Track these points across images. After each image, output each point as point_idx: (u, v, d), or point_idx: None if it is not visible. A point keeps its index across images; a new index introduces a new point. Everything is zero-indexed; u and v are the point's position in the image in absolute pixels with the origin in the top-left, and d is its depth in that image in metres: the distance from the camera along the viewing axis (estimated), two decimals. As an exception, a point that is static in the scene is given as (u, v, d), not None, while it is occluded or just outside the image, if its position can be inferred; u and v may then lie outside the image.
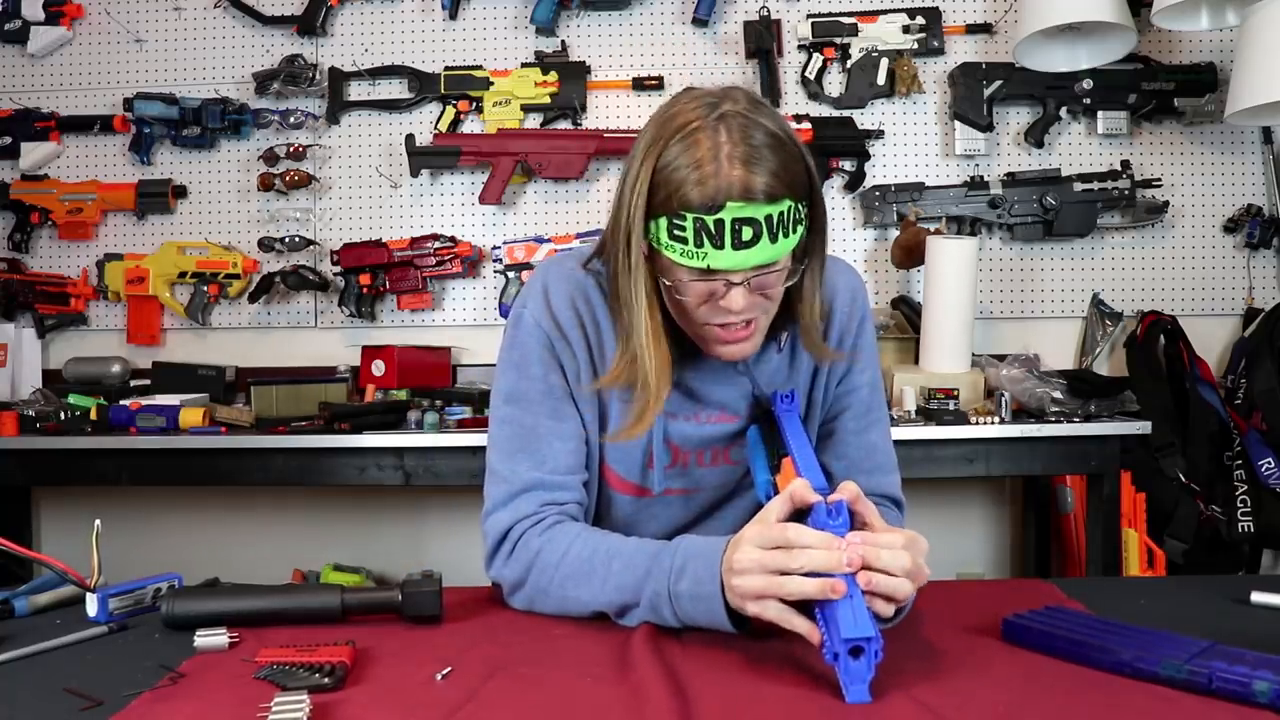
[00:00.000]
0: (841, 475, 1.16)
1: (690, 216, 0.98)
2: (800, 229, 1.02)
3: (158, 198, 2.81)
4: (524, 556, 1.07)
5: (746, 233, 0.97)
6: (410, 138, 2.74)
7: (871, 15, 2.69)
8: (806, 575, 0.85)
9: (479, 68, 2.77)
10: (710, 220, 0.97)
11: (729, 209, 0.96)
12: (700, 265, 0.99)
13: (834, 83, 2.74)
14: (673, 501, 1.21)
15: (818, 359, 1.18)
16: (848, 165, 2.71)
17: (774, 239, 0.99)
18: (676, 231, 0.99)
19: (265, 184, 2.79)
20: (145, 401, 2.40)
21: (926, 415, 2.26)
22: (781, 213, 0.98)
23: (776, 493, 0.97)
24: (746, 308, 1.03)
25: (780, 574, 0.86)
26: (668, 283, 1.04)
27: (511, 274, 2.71)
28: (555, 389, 1.14)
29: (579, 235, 2.70)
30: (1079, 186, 2.63)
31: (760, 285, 1.03)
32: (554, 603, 1.05)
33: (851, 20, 2.69)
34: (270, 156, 2.78)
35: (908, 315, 2.61)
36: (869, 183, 2.72)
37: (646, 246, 1.04)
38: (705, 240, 0.98)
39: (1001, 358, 2.47)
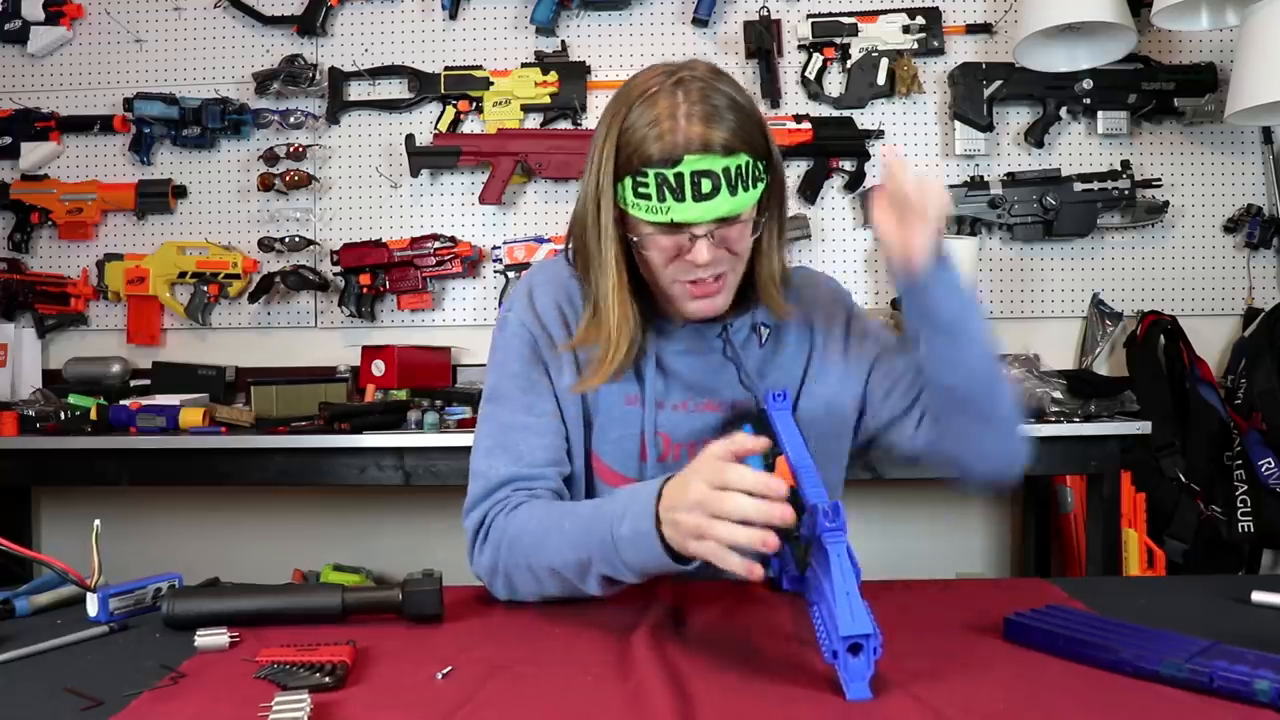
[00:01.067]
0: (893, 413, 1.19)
1: (652, 173, 1.03)
2: (759, 185, 1.06)
3: (158, 198, 2.81)
4: (494, 539, 1.09)
5: (706, 185, 1.02)
6: (410, 138, 2.74)
7: (871, 15, 2.69)
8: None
9: (479, 68, 2.77)
10: (670, 174, 1.02)
11: (687, 161, 1.02)
12: (664, 219, 1.04)
13: (834, 83, 2.74)
14: None
15: (776, 315, 1.20)
16: (848, 165, 2.71)
17: (733, 191, 1.03)
18: (640, 189, 1.04)
19: (265, 184, 2.79)
20: (145, 401, 2.40)
21: (926, 415, 2.26)
22: (739, 166, 1.03)
23: None
24: (712, 261, 1.07)
25: (715, 516, 0.87)
26: (635, 238, 1.08)
27: (511, 274, 2.71)
28: (535, 385, 1.16)
29: (579, 235, 2.69)
30: (1079, 186, 2.63)
31: (724, 239, 1.07)
32: (525, 576, 1.06)
33: (851, 20, 2.69)
34: (270, 156, 2.78)
35: (908, 315, 2.61)
36: (869, 183, 2.72)
37: (616, 210, 1.08)
38: (667, 194, 1.03)
39: (1001, 358, 2.47)
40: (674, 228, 1.05)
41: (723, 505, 0.86)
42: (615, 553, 0.97)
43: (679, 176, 1.02)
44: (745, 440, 0.91)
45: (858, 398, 1.22)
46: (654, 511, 0.93)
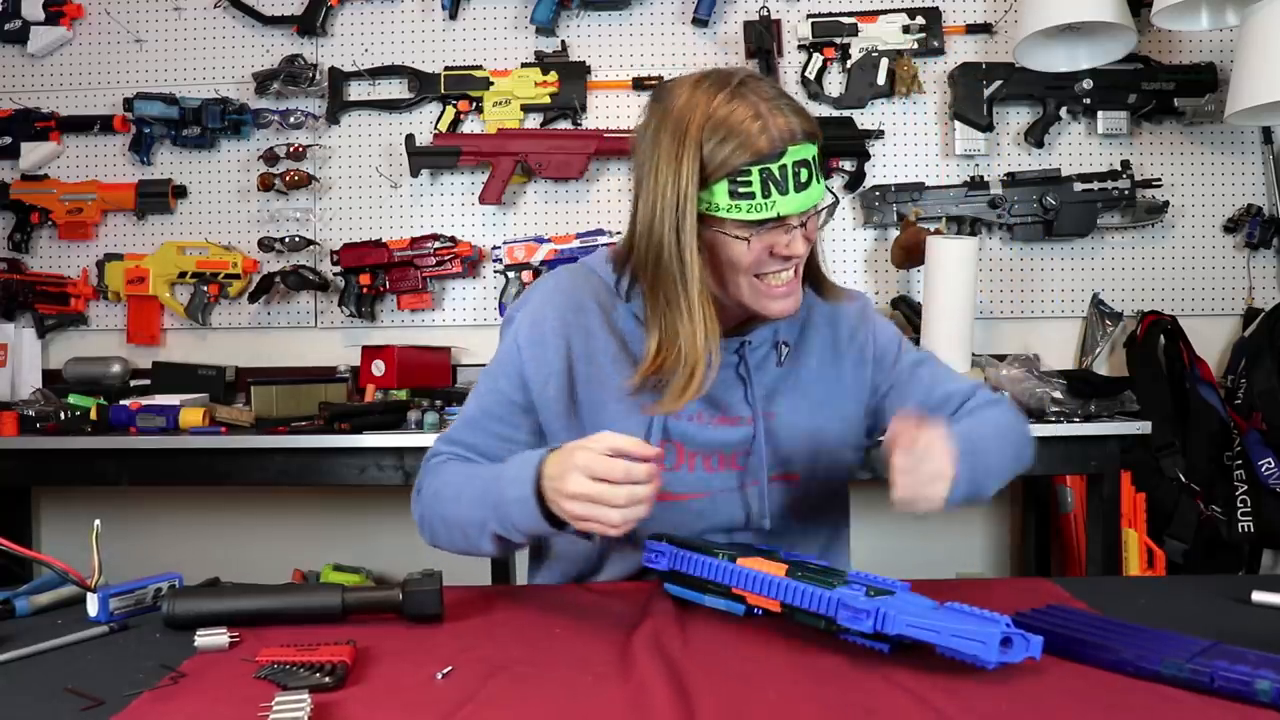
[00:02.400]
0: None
1: (756, 170, 1.04)
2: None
3: (158, 198, 2.81)
4: (425, 492, 1.19)
5: (804, 174, 1.06)
6: (410, 138, 2.74)
7: (871, 15, 2.69)
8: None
9: (479, 68, 2.77)
10: (775, 167, 1.04)
11: (790, 152, 1.05)
12: (770, 215, 1.05)
13: (834, 83, 2.74)
14: (684, 508, 1.19)
15: (829, 298, 1.23)
16: (848, 165, 2.71)
17: (817, 179, 1.08)
18: (742, 189, 1.05)
19: (265, 184, 2.78)
20: (145, 401, 2.40)
21: (927, 415, 2.26)
22: (815, 154, 1.08)
23: None
24: (804, 250, 1.10)
25: (599, 483, 0.95)
26: (728, 236, 1.07)
27: (511, 274, 2.71)
28: (514, 406, 1.20)
29: (579, 235, 2.70)
30: (1079, 186, 2.63)
31: (809, 228, 1.10)
32: (441, 528, 1.16)
33: (851, 20, 2.69)
34: (270, 156, 2.78)
35: (908, 315, 2.61)
36: (869, 183, 2.72)
37: (698, 220, 1.08)
38: (772, 188, 1.05)
39: (1001, 358, 2.47)
40: (775, 223, 1.07)
41: (602, 495, 0.95)
42: (505, 514, 1.05)
43: (783, 169, 1.04)
44: (629, 445, 0.97)
45: (860, 438, 1.28)
46: (535, 477, 1.01)
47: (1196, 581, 1.28)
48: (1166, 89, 2.63)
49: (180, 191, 2.85)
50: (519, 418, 1.20)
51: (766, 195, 1.04)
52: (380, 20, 2.82)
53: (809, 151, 1.06)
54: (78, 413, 2.40)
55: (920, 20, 2.68)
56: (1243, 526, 2.44)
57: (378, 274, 2.74)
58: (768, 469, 1.19)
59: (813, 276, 1.21)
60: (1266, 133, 2.69)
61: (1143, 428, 2.23)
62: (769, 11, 2.71)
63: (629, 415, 1.16)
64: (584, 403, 1.18)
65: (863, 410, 1.27)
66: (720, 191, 1.05)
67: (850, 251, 2.76)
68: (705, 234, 1.08)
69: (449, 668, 0.87)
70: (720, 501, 1.20)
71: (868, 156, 2.70)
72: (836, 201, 1.14)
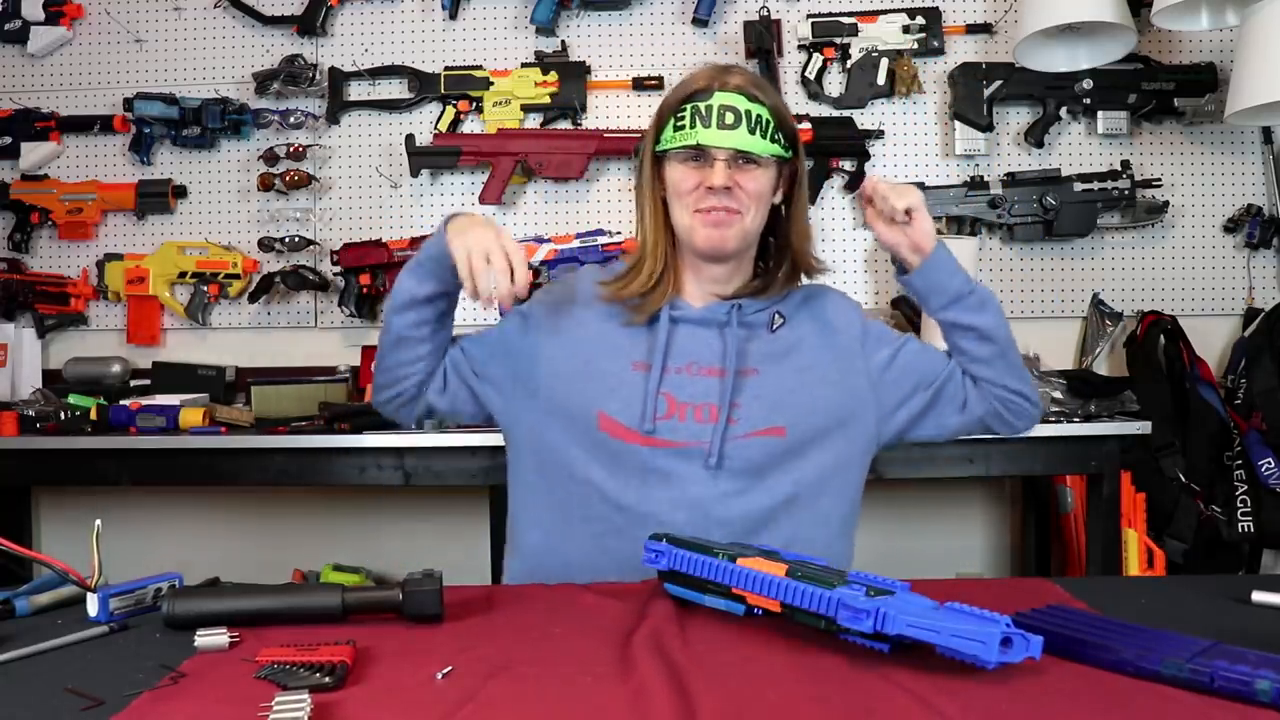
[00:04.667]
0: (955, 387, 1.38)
1: (689, 106, 1.27)
2: (778, 145, 1.28)
3: (158, 198, 2.81)
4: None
5: (729, 117, 1.25)
6: (410, 138, 2.74)
7: (871, 15, 2.69)
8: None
9: (479, 68, 2.77)
10: (702, 105, 1.26)
11: (717, 96, 1.26)
12: (690, 143, 1.26)
13: (834, 83, 2.74)
14: (678, 456, 1.27)
15: (810, 271, 1.39)
16: (848, 165, 2.71)
17: (752, 132, 1.26)
18: (678, 124, 1.28)
19: (265, 184, 2.78)
20: (145, 401, 2.40)
21: (927, 415, 2.26)
22: (761, 115, 1.26)
23: None
24: (726, 187, 1.26)
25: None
26: (669, 164, 1.30)
27: (511, 274, 2.71)
28: (508, 338, 1.43)
29: (579, 235, 2.69)
30: (1079, 186, 2.63)
31: (739, 176, 1.27)
32: (382, 337, 1.38)
33: (851, 20, 2.69)
34: (270, 156, 2.78)
35: (908, 315, 2.61)
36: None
37: (654, 157, 1.32)
38: (697, 121, 1.26)
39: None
40: (698, 153, 1.27)
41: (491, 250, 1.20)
42: (416, 257, 1.30)
43: (709, 108, 1.25)
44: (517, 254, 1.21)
45: (867, 410, 1.37)
46: (446, 220, 1.28)
47: (1196, 581, 1.28)
48: (1166, 89, 2.63)
49: (180, 191, 2.85)
50: (498, 353, 1.41)
51: (692, 127, 1.26)
52: (380, 20, 2.82)
53: (744, 104, 1.25)
54: (78, 413, 2.40)
55: (920, 20, 2.68)
56: (1243, 526, 2.44)
57: (378, 274, 2.74)
58: (751, 422, 1.29)
59: (799, 251, 1.36)
60: (1266, 133, 2.70)
61: (1143, 428, 2.24)
62: (769, 11, 2.71)
63: (625, 370, 1.31)
64: (561, 358, 1.34)
65: (865, 383, 1.36)
66: (668, 128, 1.29)
67: (850, 251, 2.76)
68: (662, 168, 1.32)
69: (449, 668, 0.87)
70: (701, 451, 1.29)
71: (868, 157, 2.70)
72: (787, 164, 1.32)
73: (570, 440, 1.30)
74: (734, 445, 1.27)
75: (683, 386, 1.29)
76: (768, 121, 1.26)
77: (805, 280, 1.41)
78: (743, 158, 1.27)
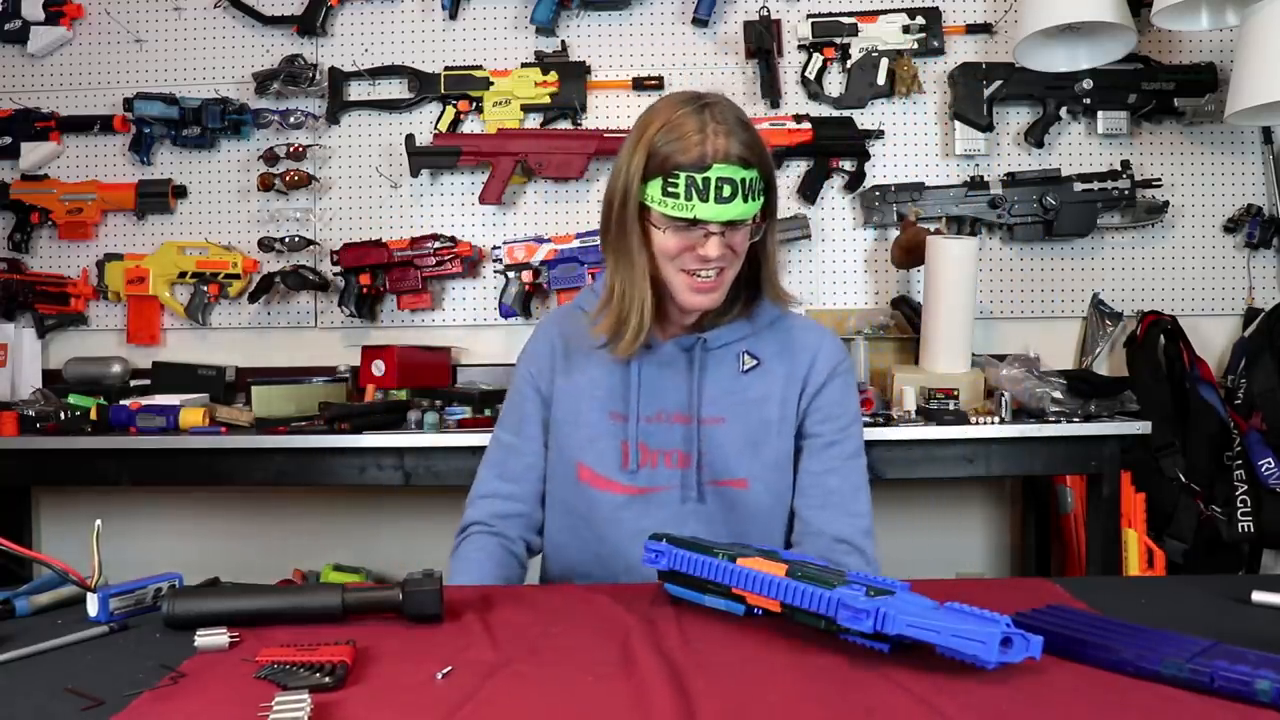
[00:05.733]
0: (798, 507, 1.35)
1: (683, 175, 1.22)
2: (762, 198, 1.26)
3: (158, 198, 2.81)
4: (456, 549, 1.40)
5: (726, 190, 1.22)
6: (410, 138, 2.74)
7: (871, 15, 2.69)
8: None
9: (479, 68, 2.77)
10: (700, 177, 1.21)
11: (715, 169, 1.21)
12: (688, 215, 1.22)
13: (834, 83, 2.74)
14: (652, 500, 1.32)
15: (779, 301, 1.37)
16: (848, 165, 2.71)
17: (745, 199, 1.23)
18: (670, 189, 1.23)
19: (265, 184, 2.78)
20: (145, 401, 2.40)
21: (926, 415, 2.26)
22: (751, 179, 1.23)
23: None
24: (719, 257, 1.25)
25: None
26: (657, 227, 1.26)
27: (511, 274, 2.71)
28: (528, 415, 1.41)
29: (579, 235, 2.69)
30: (1079, 186, 2.63)
31: (730, 240, 1.25)
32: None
33: (851, 20, 2.69)
34: (270, 156, 2.78)
35: (908, 315, 2.61)
36: (869, 183, 2.72)
37: (639, 206, 1.26)
38: (694, 194, 1.22)
39: (1001, 358, 2.47)
40: (693, 224, 1.23)
41: None
42: None
43: (706, 181, 1.21)
44: None
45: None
46: None
47: (1196, 581, 1.28)
48: (1166, 89, 2.63)
49: (180, 191, 2.85)
50: (532, 427, 1.41)
51: (689, 199, 1.21)
52: (380, 20, 2.82)
53: (739, 174, 1.21)
54: (78, 413, 2.40)
55: (920, 20, 2.68)
56: (1243, 526, 2.44)
57: (378, 274, 2.74)
58: (714, 474, 1.33)
59: (761, 285, 1.35)
60: (1266, 133, 2.69)
61: (1143, 428, 2.23)
62: (769, 11, 2.71)
63: (602, 421, 1.34)
64: (562, 405, 1.38)
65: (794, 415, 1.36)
66: (655, 186, 1.24)
67: (850, 252, 2.76)
68: (645, 219, 1.27)
69: (449, 668, 0.87)
70: (676, 495, 1.34)
71: (868, 156, 2.70)
72: (790, 217, 1.30)
73: (562, 477, 1.39)
74: (704, 489, 1.34)
75: (652, 435, 1.34)
76: (757, 180, 1.24)
77: (797, 309, 1.43)
78: (734, 224, 1.25)
